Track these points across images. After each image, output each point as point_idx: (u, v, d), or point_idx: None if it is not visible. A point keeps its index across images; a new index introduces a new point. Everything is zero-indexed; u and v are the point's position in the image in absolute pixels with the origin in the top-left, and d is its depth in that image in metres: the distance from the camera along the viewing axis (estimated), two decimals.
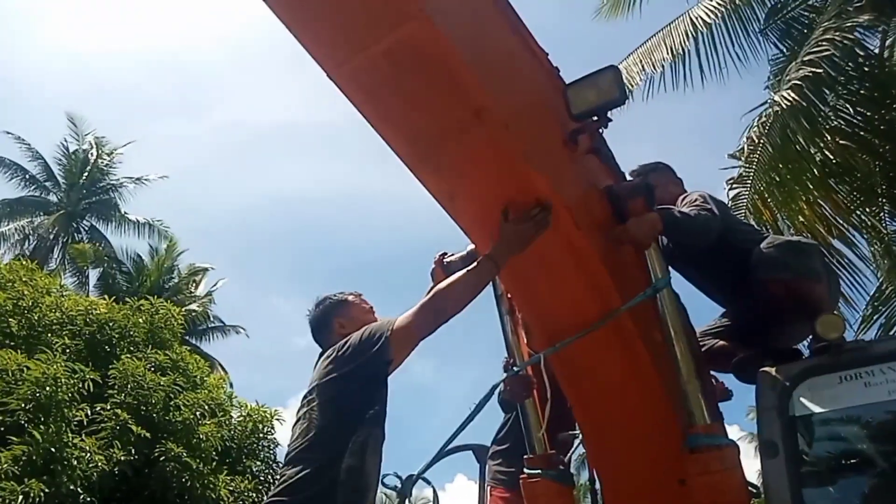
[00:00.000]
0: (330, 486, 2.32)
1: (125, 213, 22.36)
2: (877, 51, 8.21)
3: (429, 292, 2.62)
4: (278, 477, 2.52)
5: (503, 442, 3.88)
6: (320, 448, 2.42)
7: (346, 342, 2.58)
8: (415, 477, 3.30)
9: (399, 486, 3.32)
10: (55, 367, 8.13)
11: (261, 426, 10.51)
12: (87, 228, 22.46)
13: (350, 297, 2.90)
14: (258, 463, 10.45)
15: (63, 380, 8.13)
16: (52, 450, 7.69)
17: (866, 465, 2.66)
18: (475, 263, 2.48)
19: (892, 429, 2.63)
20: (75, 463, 7.84)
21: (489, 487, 3.85)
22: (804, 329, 2.98)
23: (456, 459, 3.65)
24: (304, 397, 2.62)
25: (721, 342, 3.20)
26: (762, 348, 2.98)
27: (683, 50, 9.05)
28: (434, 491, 4.00)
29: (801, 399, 2.57)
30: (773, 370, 2.70)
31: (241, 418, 10.48)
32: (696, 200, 3.03)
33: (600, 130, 2.72)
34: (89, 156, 22.50)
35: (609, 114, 2.59)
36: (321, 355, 2.74)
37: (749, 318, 3.11)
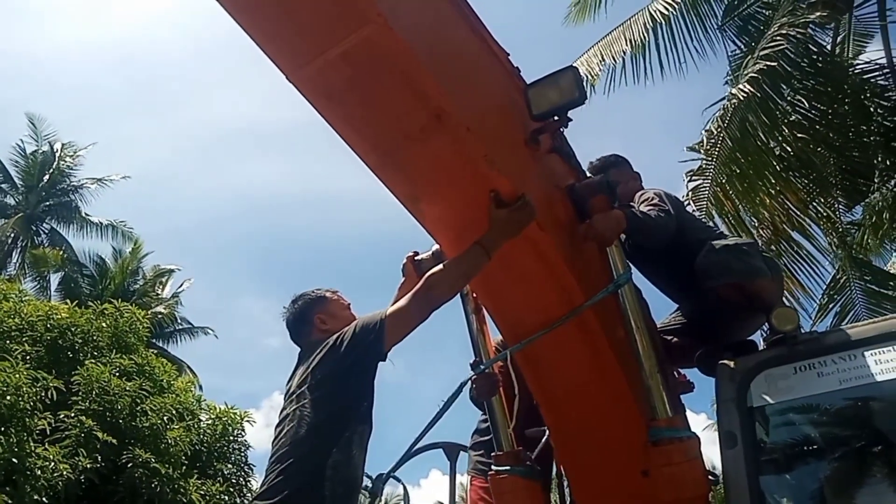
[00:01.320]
0: (318, 481, 2.32)
1: (86, 214, 21.82)
2: (829, 47, 8.46)
3: (415, 282, 2.61)
4: (266, 474, 2.51)
5: (484, 433, 3.90)
6: (311, 444, 2.40)
7: (339, 336, 2.55)
8: (385, 476, 3.30)
9: (370, 485, 3.32)
10: (16, 375, 7.92)
11: (231, 429, 10.40)
12: (46, 231, 21.83)
13: (328, 294, 2.89)
14: (229, 466, 10.35)
15: (25, 388, 7.93)
16: (14, 460, 7.50)
17: (821, 452, 2.76)
18: (466, 250, 2.49)
19: (844, 417, 2.73)
20: (39, 472, 7.66)
21: (469, 477, 3.87)
22: (756, 322, 3.06)
23: (431, 455, 3.65)
24: (292, 394, 2.58)
25: (678, 338, 3.27)
26: (718, 343, 3.06)
27: (643, 42, 9.18)
28: (405, 489, 4.02)
29: (758, 390, 2.65)
30: (731, 363, 2.78)
31: (211, 421, 10.36)
32: (653, 199, 3.09)
33: (561, 130, 2.76)
34: (48, 157, 21.87)
35: (569, 113, 2.63)
36: (304, 353, 2.72)
37: (703, 316, 3.18)
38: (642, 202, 3.11)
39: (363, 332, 2.53)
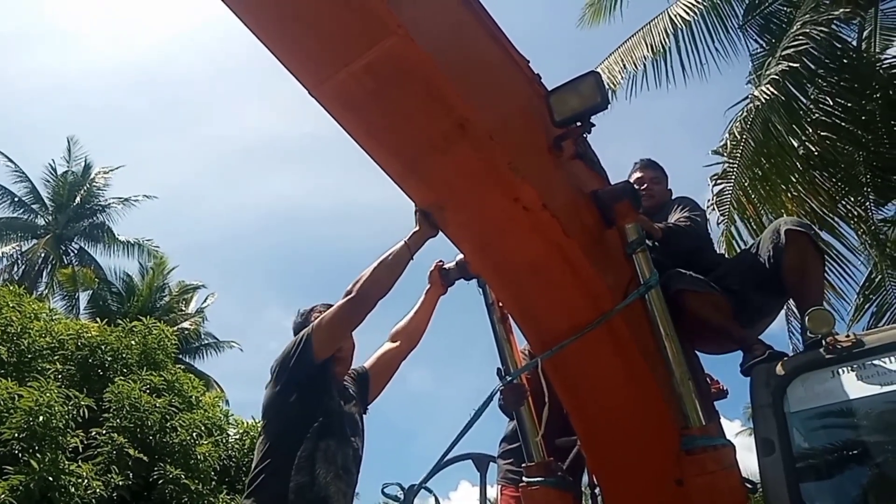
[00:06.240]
0: None
1: (115, 233, 22.23)
2: (854, 42, 8.30)
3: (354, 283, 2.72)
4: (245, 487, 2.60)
5: (513, 441, 3.86)
6: (271, 467, 2.44)
7: (277, 357, 2.63)
8: (416, 487, 3.28)
9: (401, 496, 3.30)
10: (48, 394, 8.04)
11: None
12: (75, 251, 22.30)
13: None
14: None
15: (57, 407, 8.04)
16: (49, 478, 7.60)
17: (862, 458, 2.67)
18: (392, 249, 2.67)
19: (886, 421, 2.64)
20: (73, 490, 7.75)
21: (500, 486, 3.83)
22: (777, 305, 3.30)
23: (460, 467, 3.63)
24: (262, 415, 2.66)
25: None
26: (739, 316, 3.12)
27: (664, 47, 9.13)
28: (437, 500, 3.97)
29: (795, 395, 2.58)
30: (766, 367, 2.71)
31: (239, 436, 10.42)
32: (687, 207, 3.43)
33: (584, 135, 2.74)
34: (77, 177, 22.36)
35: (592, 118, 2.61)
36: None
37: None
38: (683, 208, 3.40)
39: (290, 348, 2.61)
